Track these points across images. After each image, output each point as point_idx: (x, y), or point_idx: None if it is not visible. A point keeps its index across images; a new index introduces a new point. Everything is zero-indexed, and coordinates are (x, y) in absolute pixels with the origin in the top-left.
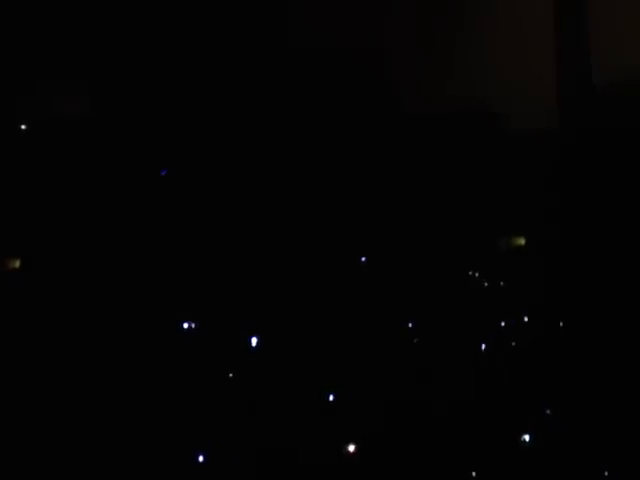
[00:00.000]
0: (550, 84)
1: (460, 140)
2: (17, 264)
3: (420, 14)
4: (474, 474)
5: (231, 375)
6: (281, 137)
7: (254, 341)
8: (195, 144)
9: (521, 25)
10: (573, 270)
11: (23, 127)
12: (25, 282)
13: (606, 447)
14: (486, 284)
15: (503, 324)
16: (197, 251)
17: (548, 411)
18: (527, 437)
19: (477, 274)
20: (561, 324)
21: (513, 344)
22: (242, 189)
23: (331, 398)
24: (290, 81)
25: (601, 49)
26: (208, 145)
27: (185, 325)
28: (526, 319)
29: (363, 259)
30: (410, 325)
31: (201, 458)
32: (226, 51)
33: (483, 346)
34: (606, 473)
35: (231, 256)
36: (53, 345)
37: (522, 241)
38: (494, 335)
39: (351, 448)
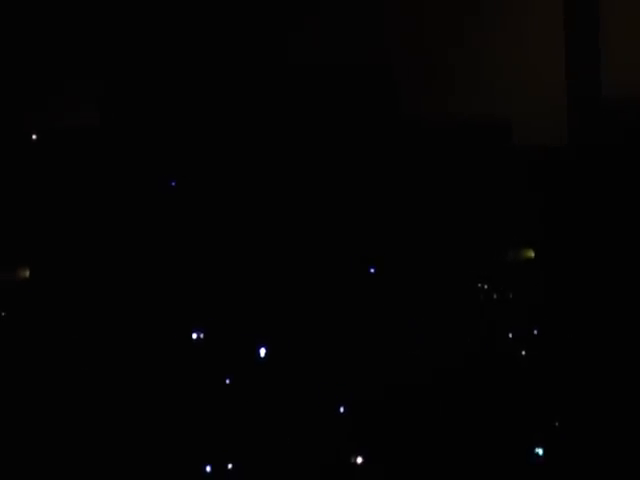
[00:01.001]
0: (559, 98)
1: (468, 153)
2: (27, 272)
3: (425, 28)
4: None
5: (239, 384)
6: (289, 152)
7: (262, 352)
8: (202, 155)
9: (529, 39)
10: (581, 282)
11: (34, 137)
12: (34, 289)
13: (615, 458)
14: (495, 296)
15: (511, 335)
16: (205, 260)
17: (557, 423)
18: (540, 450)
19: (486, 286)
20: (570, 336)
21: (523, 354)
22: (249, 199)
23: (340, 407)
24: (295, 96)
25: (610, 64)
26: (215, 155)
27: (194, 335)
28: (535, 332)
29: (372, 270)
30: (418, 335)
31: (208, 468)
32: (232, 67)
33: (492, 357)
34: None
35: (239, 266)
36: (60, 351)
37: (531, 253)
38: (503, 347)
39: (359, 460)
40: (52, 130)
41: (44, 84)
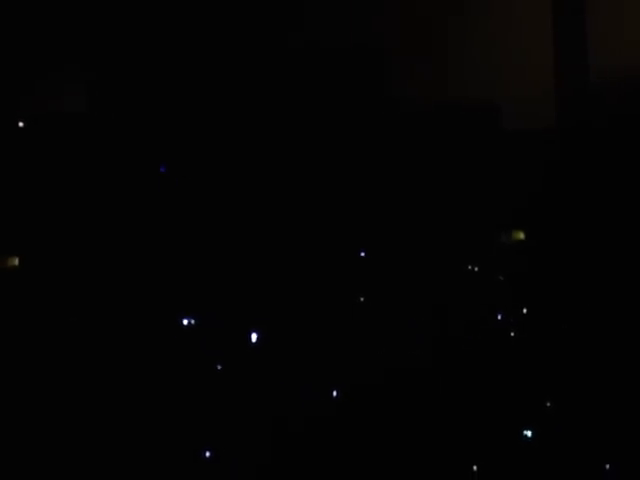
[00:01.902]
0: (548, 81)
1: (459, 136)
2: (16, 261)
3: (417, 12)
4: (475, 468)
5: (231, 370)
6: (280, 133)
7: (254, 337)
8: (191, 138)
9: (518, 23)
10: (571, 263)
11: (21, 124)
12: (24, 276)
13: (606, 439)
14: (486, 278)
15: (500, 317)
16: (196, 247)
17: (548, 404)
18: (529, 432)
19: (476, 268)
20: (560, 317)
21: (512, 336)
22: (240, 185)
23: (333, 393)
24: (290, 78)
25: (599, 47)
26: (204, 140)
27: (185, 322)
28: (525, 311)
29: (362, 254)
30: (410, 318)
31: (207, 453)
32: (224, 49)
33: (482, 338)
34: (607, 466)
35: (231, 252)
36: (52, 337)
37: (521, 235)
38: (493, 328)
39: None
40: (39, 116)
41: (31, 70)
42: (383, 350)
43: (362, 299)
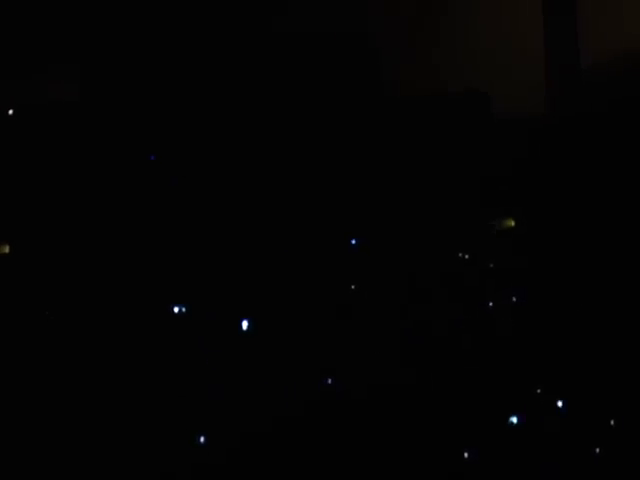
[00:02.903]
0: (537, 68)
1: (451, 123)
2: (7, 249)
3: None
4: (466, 455)
5: (222, 357)
6: (267, 118)
7: (245, 324)
8: (178, 125)
9: (508, 10)
10: (562, 250)
11: (10, 112)
12: (15, 263)
13: (596, 426)
14: (476, 265)
15: (491, 304)
16: (186, 234)
17: (539, 390)
18: (514, 418)
19: (467, 256)
20: (550, 304)
21: (502, 324)
22: (229, 172)
23: (327, 381)
24: (276, 63)
25: (589, 34)
26: (191, 126)
27: (176, 309)
28: (514, 299)
29: (354, 241)
30: (401, 306)
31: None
32: (211, 35)
33: (473, 325)
34: (597, 450)
35: (221, 240)
36: (43, 327)
37: (512, 222)
38: (484, 315)
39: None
40: (30, 105)
41: (23, 60)
42: (374, 338)
43: (353, 287)
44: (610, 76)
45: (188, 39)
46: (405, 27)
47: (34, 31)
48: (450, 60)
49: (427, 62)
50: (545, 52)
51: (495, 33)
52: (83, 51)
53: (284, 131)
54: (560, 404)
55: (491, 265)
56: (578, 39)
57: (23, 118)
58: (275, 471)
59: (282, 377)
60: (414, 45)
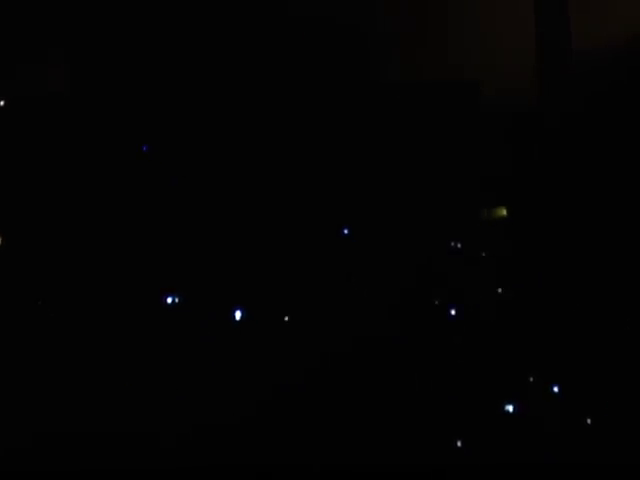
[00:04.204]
0: (528, 58)
1: (443, 112)
2: None
3: None
4: (459, 444)
5: (215, 347)
6: (260, 107)
7: (238, 314)
8: (173, 116)
9: (502, 2)
10: (552, 239)
11: (1, 103)
12: (8, 256)
13: (590, 413)
14: (468, 254)
15: (483, 293)
16: (178, 225)
17: (531, 379)
18: (510, 407)
19: (459, 245)
20: (542, 293)
21: (493, 313)
22: (221, 163)
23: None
24: (273, 49)
25: (581, 25)
26: (185, 119)
27: (169, 300)
28: (505, 288)
29: (346, 231)
30: (393, 296)
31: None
32: (204, 24)
33: (464, 314)
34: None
35: (214, 230)
36: (35, 318)
37: (504, 212)
38: (475, 304)
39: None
40: (19, 97)
41: (10, 51)
42: (366, 323)
43: (345, 275)
44: (602, 66)
45: (178, 29)
46: (395, 17)
47: (24, 22)
48: (440, 50)
49: (416, 51)
50: (536, 42)
51: (487, 24)
52: (76, 44)
53: (275, 120)
54: (555, 389)
55: (483, 254)
56: (570, 29)
57: (14, 110)
58: (271, 450)
59: (274, 366)
60: (404, 35)
